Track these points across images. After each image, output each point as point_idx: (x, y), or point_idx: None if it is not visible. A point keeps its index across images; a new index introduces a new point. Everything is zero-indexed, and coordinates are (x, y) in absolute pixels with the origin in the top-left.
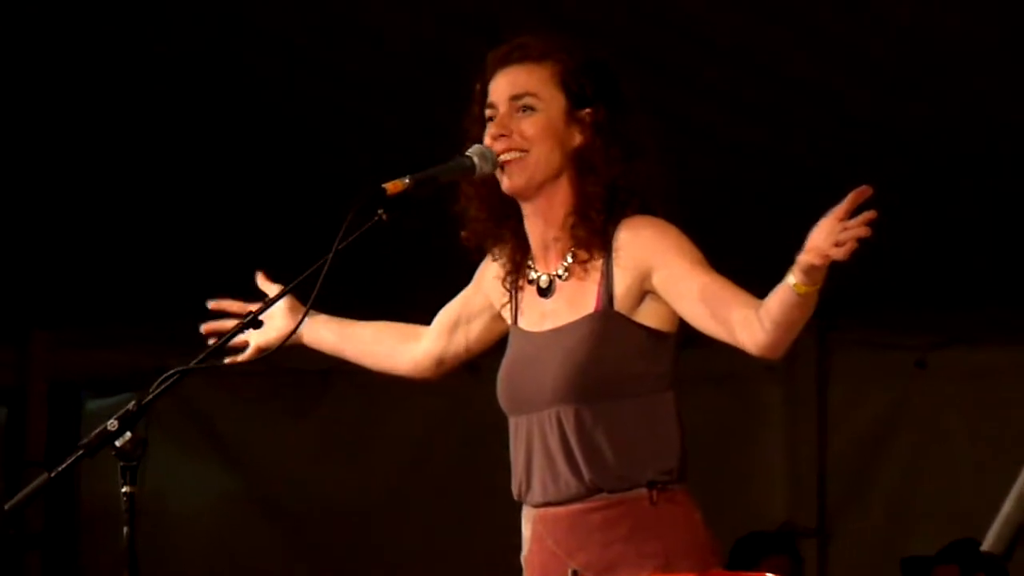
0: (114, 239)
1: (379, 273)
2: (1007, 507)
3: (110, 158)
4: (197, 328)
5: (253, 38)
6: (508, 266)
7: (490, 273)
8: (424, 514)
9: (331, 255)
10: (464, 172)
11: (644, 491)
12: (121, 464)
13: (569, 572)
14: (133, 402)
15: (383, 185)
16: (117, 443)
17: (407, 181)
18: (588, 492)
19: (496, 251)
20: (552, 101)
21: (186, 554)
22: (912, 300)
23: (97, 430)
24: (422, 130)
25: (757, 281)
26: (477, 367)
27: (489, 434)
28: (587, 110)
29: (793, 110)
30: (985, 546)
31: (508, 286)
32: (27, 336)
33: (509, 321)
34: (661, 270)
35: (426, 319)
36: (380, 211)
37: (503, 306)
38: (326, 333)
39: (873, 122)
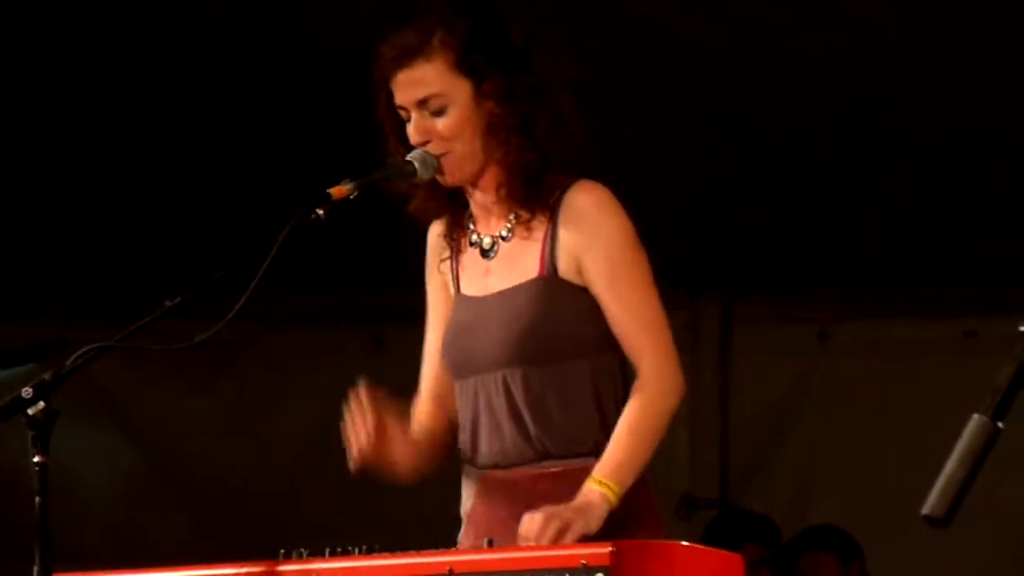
0: (15, 212)
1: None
2: (950, 467)
3: (14, 132)
4: (98, 302)
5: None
6: (448, 229)
7: (434, 270)
8: (328, 488)
9: (273, 250)
10: (406, 177)
11: (592, 460)
12: (32, 434)
13: (484, 542)
14: (50, 372)
15: (328, 191)
16: (30, 411)
17: (350, 187)
18: (536, 456)
19: (435, 225)
20: (457, 91)
21: (92, 529)
22: (815, 271)
23: (11, 396)
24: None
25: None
26: (381, 340)
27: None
28: (487, 82)
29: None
30: (926, 509)
31: (449, 253)
32: None
33: (452, 291)
34: (592, 273)
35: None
36: (319, 211)
37: (449, 281)
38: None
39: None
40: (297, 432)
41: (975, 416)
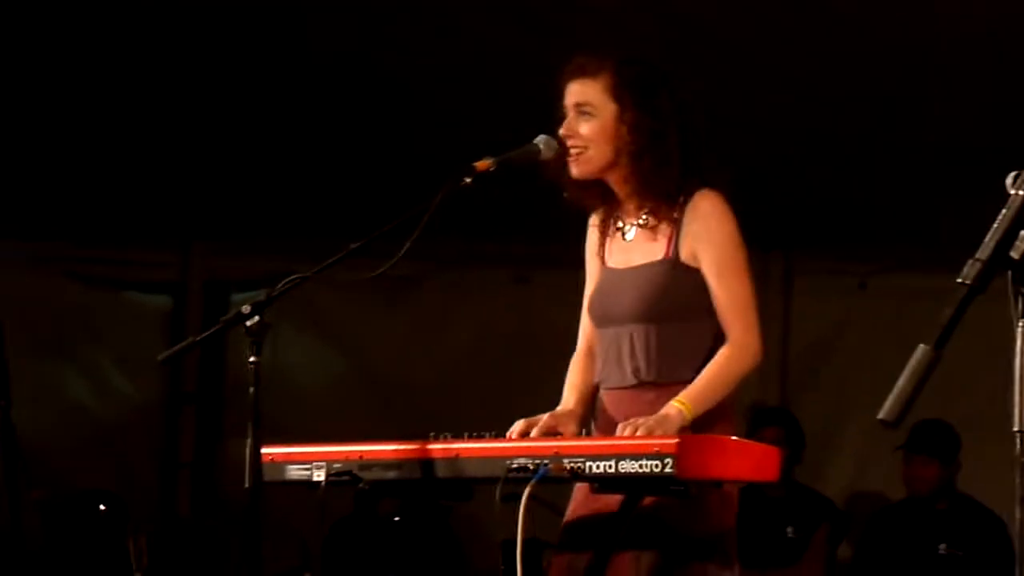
0: (259, 167)
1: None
2: (901, 383)
3: (248, 95)
4: (322, 242)
5: None
6: (604, 216)
7: (591, 249)
8: (481, 388)
9: (431, 209)
10: (532, 156)
11: (683, 386)
12: (250, 340)
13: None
14: (264, 294)
15: (473, 164)
16: (248, 323)
17: (490, 162)
18: (643, 383)
19: (593, 216)
20: (605, 108)
21: (303, 415)
22: (856, 234)
23: (234, 311)
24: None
25: None
26: (527, 278)
27: (536, 330)
28: (629, 113)
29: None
30: (881, 415)
31: (602, 233)
32: (188, 244)
33: (600, 263)
34: (703, 261)
35: None
36: (467, 179)
37: (600, 255)
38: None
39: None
40: (462, 343)
41: (921, 345)
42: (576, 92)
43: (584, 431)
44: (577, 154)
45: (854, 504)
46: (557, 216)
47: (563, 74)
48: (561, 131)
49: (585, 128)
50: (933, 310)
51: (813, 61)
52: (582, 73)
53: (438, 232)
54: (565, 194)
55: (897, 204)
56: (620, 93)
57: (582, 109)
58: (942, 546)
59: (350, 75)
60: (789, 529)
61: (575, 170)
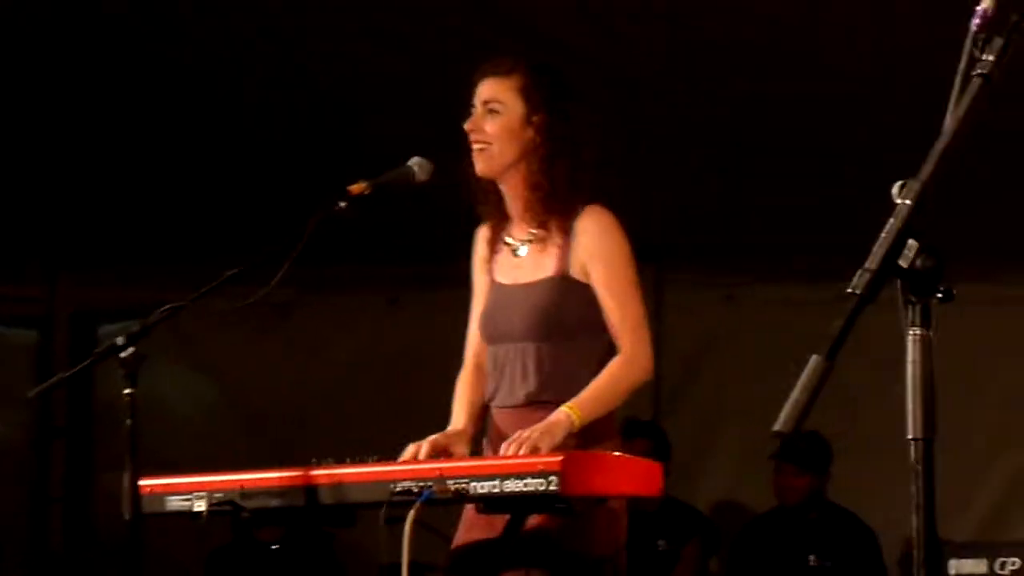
0: (124, 197)
1: None
2: (795, 394)
3: (111, 122)
4: (189, 271)
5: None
6: (492, 231)
7: (479, 263)
8: (354, 412)
9: (306, 234)
10: (407, 178)
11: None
12: (123, 372)
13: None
14: (138, 324)
15: (348, 188)
16: (122, 355)
17: (365, 185)
18: (532, 403)
19: (480, 230)
20: (512, 107)
21: (178, 444)
22: (722, 251)
23: (107, 343)
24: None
25: None
26: (396, 299)
27: (412, 351)
28: (538, 116)
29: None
30: (776, 426)
31: (489, 250)
32: (55, 276)
33: (488, 279)
34: (593, 277)
35: None
36: (341, 203)
37: (489, 270)
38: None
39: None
40: (334, 368)
41: (814, 356)
42: (486, 90)
43: (475, 450)
44: (480, 150)
45: (726, 517)
46: (425, 237)
47: (476, 72)
48: (466, 125)
49: (490, 125)
50: (805, 319)
51: (682, 71)
52: (495, 72)
53: (308, 258)
54: (473, 203)
55: (766, 214)
56: (530, 95)
57: (490, 107)
58: (812, 557)
59: (218, 98)
60: (661, 542)
61: (478, 166)
